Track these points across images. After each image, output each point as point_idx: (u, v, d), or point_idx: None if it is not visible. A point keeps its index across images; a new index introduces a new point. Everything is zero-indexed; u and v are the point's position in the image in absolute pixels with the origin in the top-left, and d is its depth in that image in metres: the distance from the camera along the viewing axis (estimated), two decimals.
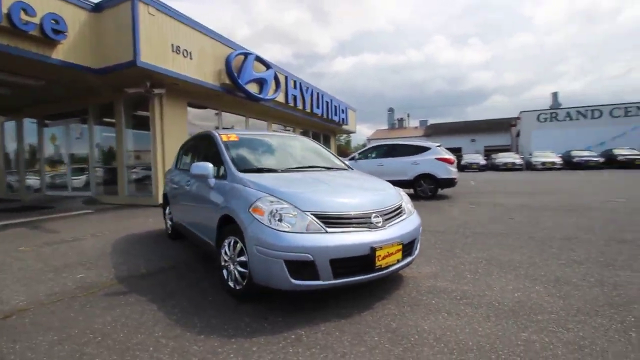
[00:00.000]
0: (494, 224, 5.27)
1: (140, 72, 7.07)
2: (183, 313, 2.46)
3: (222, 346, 2.00)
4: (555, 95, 37.42)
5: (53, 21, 6.06)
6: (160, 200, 7.73)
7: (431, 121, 45.93)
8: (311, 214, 2.36)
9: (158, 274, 3.37)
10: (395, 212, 2.73)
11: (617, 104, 27.50)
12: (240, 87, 9.02)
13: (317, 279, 2.24)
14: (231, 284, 2.69)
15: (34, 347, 2.06)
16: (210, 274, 3.32)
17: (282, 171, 3.14)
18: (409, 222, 2.78)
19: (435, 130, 40.20)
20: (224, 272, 2.78)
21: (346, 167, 3.76)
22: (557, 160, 22.81)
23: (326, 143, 18.11)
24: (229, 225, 2.74)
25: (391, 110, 45.57)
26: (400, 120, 45.85)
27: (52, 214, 7.40)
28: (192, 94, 8.76)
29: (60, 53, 6.32)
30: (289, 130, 14.22)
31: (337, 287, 2.34)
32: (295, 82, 11.98)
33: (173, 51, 7.33)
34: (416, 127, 45.09)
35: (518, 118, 32.04)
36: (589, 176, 15.66)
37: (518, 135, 31.90)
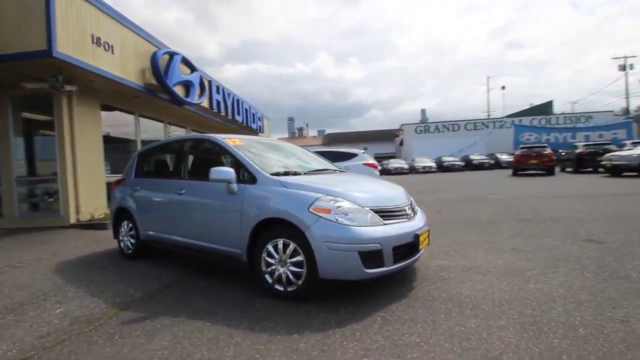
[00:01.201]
0: (432, 216, 6.32)
1: (49, 65, 5.80)
2: (246, 322, 2.35)
3: (326, 339, 2.06)
4: (423, 111, 45.38)
5: None
6: (74, 220, 6.49)
7: (328, 131, 49.32)
8: (369, 209, 2.61)
9: (163, 295, 3.01)
10: (414, 205, 3.20)
11: (469, 120, 35.33)
12: (168, 89, 8.22)
13: (383, 265, 2.50)
14: (279, 287, 2.69)
15: None
16: (229, 284, 3.14)
17: (305, 174, 3.25)
18: (422, 213, 3.28)
19: (332, 139, 43.28)
20: (267, 276, 2.75)
21: (338, 169, 4.02)
22: (433, 164, 27.76)
23: None
24: (274, 229, 2.72)
25: (291, 119, 47.22)
26: (300, 130, 47.80)
27: None
28: (107, 94, 7.55)
29: None
30: None
31: (395, 272, 2.64)
32: (218, 87, 11.48)
33: (93, 42, 6.25)
34: (315, 136, 47.72)
35: (401, 130, 37.48)
36: (459, 177, 19.61)
37: (401, 144, 37.34)
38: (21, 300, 3.00)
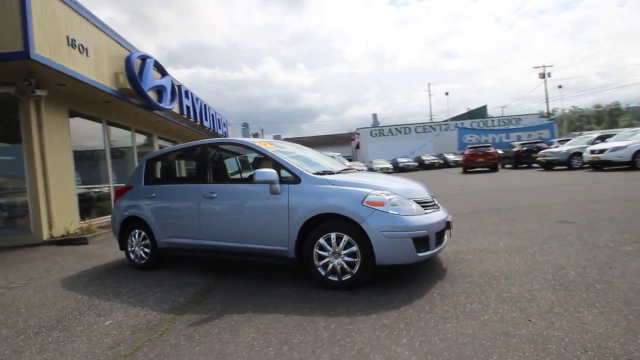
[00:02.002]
0: None
1: (17, 67, 5.30)
2: (317, 310, 2.53)
3: (396, 320, 2.33)
4: (375, 115, 47.42)
5: None
6: (47, 236, 5.99)
7: (284, 136, 49.32)
8: (413, 200, 2.94)
9: (211, 298, 3.04)
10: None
11: (419, 123, 37.95)
12: (143, 94, 7.84)
13: (429, 249, 2.84)
14: (333, 277, 2.89)
15: None
16: (272, 281, 3.26)
17: (337, 173, 3.48)
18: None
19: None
20: (319, 269, 2.94)
21: (355, 168, 4.32)
22: (390, 165, 29.26)
23: None
24: (325, 223, 2.92)
25: (245, 125, 46.38)
26: (256, 135, 47.15)
27: None
28: (75, 99, 7.02)
29: None
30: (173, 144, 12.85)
31: (434, 254, 2.99)
32: (187, 92, 11.12)
33: (69, 44, 5.81)
34: None
35: (357, 133, 38.90)
36: (416, 176, 20.98)
37: (358, 147, 38.72)
38: (53, 318, 2.82)
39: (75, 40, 5.98)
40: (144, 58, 8.13)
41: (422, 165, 29.54)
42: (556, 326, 1.99)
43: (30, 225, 6.04)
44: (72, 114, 7.13)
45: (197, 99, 12.07)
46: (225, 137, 16.41)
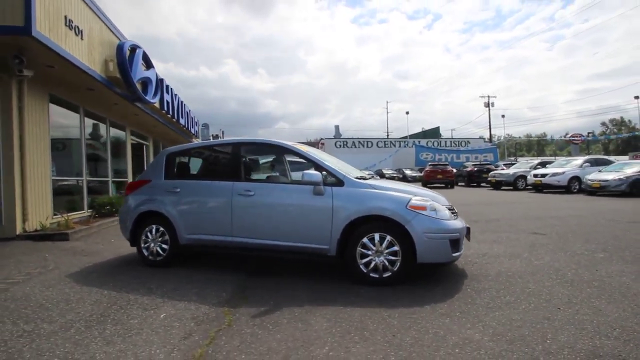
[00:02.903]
0: None
1: (10, 44, 4.86)
2: (372, 303, 2.76)
3: (450, 309, 2.66)
4: (337, 127, 48.51)
5: None
6: (20, 230, 5.49)
7: None
8: (446, 207, 3.32)
9: (257, 294, 3.11)
10: None
11: (380, 138, 39.87)
12: (132, 84, 7.46)
13: (459, 250, 3.23)
14: (374, 274, 3.15)
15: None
16: (311, 280, 3.42)
17: (369, 178, 3.76)
18: None
19: None
20: (361, 267, 3.17)
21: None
22: None
23: None
24: (368, 224, 3.17)
25: (205, 125, 44.66)
26: (216, 137, 45.60)
27: None
28: (59, 83, 6.50)
29: None
30: (144, 140, 12.19)
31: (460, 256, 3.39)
32: (168, 86, 10.70)
33: (66, 25, 5.43)
34: None
35: (322, 143, 39.60)
36: None
37: None
38: (94, 312, 2.70)
39: (72, 22, 5.62)
40: (134, 48, 7.77)
41: (382, 178, 30.95)
42: (581, 312, 2.45)
43: (2, 218, 5.44)
44: (53, 100, 6.58)
45: (175, 95, 11.65)
46: (196, 136, 15.89)
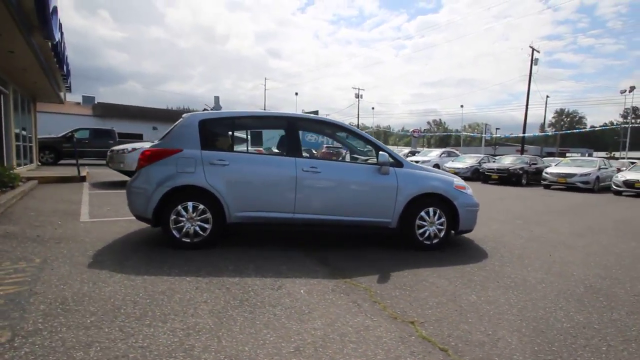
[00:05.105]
0: None
1: None
2: (445, 264, 3.47)
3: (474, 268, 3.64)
4: (217, 98, 45.30)
5: None
6: None
7: (99, 99, 39.41)
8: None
9: (341, 265, 3.35)
10: None
11: (269, 114, 39.58)
12: (46, 16, 5.49)
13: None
14: (427, 241, 3.86)
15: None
16: (367, 250, 3.85)
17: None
18: None
19: (107, 111, 35.24)
20: (418, 236, 3.82)
21: None
22: None
23: (26, 112, 12.30)
24: (424, 200, 3.81)
25: None
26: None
27: None
28: None
29: None
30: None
31: None
32: (59, 20, 8.02)
33: None
34: (79, 104, 36.90)
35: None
36: None
37: None
38: (229, 300, 2.43)
39: None
40: None
41: None
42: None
43: None
44: None
45: (62, 34, 8.84)
46: (69, 91, 12.42)
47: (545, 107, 44.17)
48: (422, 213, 3.81)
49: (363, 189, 3.78)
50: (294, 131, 3.83)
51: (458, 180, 4.05)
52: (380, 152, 3.69)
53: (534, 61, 28.91)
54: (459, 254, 3.78)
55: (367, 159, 4.39)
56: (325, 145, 23.73)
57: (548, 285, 2.96)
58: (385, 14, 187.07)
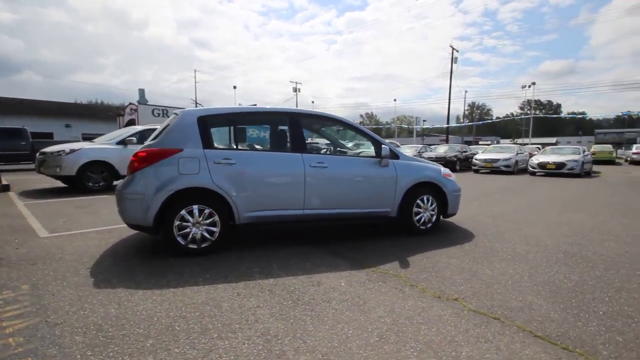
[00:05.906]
0: None
1: None
2: (446, 243, 3.82)
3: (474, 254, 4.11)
4: (142, 91, 41.20)
5: None
6: None
7: None
8: None
9: (350, 256, 3.48)
10: None
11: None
12: None
13: None
14: (422, 227, 4.20)
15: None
16: (361, 238, 4.02)
17: None
18: None
19: (4, 107, 29.87)
20: (415, 222, 4.12)
21: None
22: None
23: None
24: (418, 189, 4.11)
25: None
26: None
27: None
28: None
29: None
30: None
31: None
32: None
33: None
34: None
35: (134, 109, 32.52)
36: None
37: (131, 124, 32.43)
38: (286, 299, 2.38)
39: None
40: None
41: None
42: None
43: None
44: None
45: None
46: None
47: (465, 101, 49.63)
48: (418, 201, 4.11)
49: (367, 181, 3.92)
50: (297, 127, 3.78)
51: (444, 169, 4.44)
52: (383, 146, 3.87)
53: (454, 60, 32.15)
54: (450, 235, 4.18)
55: (359, 153, 4.55)
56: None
57: (535, 255, 3.46)
58: (315, 8, 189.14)
